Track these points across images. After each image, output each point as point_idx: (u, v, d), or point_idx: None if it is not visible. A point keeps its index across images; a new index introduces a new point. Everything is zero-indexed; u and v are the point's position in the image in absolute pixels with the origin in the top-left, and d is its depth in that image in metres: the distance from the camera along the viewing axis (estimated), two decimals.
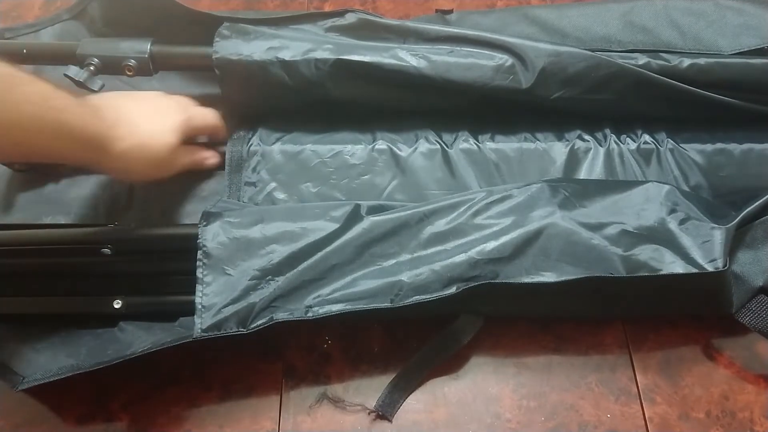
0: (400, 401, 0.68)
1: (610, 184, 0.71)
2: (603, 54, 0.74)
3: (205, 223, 0.66)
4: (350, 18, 0.76)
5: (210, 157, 0.76)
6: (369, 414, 0.68)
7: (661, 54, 0.75)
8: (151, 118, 0.67)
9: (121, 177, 0.70)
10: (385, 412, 0.67)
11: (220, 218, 0.66)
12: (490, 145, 0.77)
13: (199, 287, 0.63)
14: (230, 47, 0.73)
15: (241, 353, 0.71)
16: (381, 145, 0.76)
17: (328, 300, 0.64)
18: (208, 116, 0.75)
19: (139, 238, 0.71)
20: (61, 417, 0.68)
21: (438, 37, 0.75)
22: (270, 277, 0.64)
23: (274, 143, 0.77)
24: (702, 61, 0.74)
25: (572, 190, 0.69)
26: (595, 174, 0.76)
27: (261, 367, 0.70)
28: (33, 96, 0.53)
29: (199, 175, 0.78)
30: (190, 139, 0.72)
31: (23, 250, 0.70)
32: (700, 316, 0.72)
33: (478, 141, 0.78)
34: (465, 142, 0.77)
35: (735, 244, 0.67)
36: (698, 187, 0.76)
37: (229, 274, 0.64)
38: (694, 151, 0.77)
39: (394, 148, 0.76)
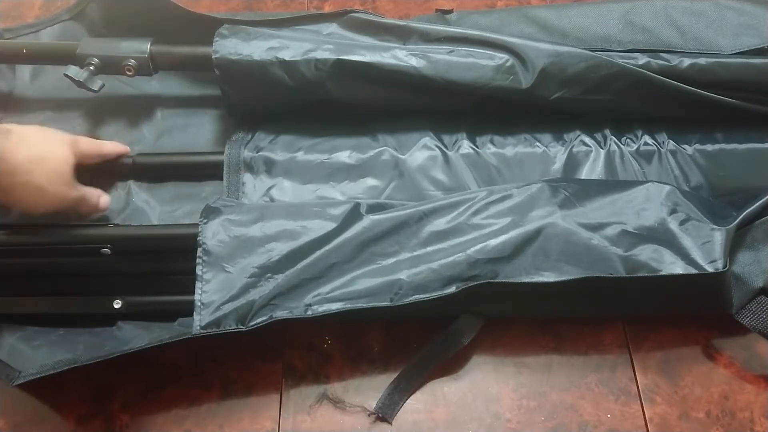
0: (400, 403, 0.68)
1: (611, 184, 0.71)
2: (603, 54, 0.74)
3: (205, 220, 0.66)
4: (350, 18, 0.77)
5: (100, 195, 0.73)
6: (369, 416, 0.67)
7: (661, 54, 0.75)
8: (46, 143, 0.66)
9: (26, 209, 0.68)
10: (385, 413, 0.67)
11: (220, 216, 0.66)
12: (489, 147, 0.77)
13: (198, 284, 0.64)
14: (230, 47, 0.73)
15: (241, 353, 0.70)
16: (380, 146, 0.76)
17: (327, 298, 0.64)
18: (92, 141, 0.73)
19: (139, 238, 0.71)
20: (61, 416, 0.68)
21: (438, 37, 0.75)
22: (269, 274, 0.64)
23: (273, 144, 0.77)
24: (702, 61, 0.74)
25: (573, 190, 0.69)
26: (595, 175, 0.76)
27: (261, 366, 0.70)
28: None
29: (197, 176, 0.79)
30: (84, 162, 0.71)
31: (23, 250, 0.70)
32: (700, 316, 0.72)
33: (477, 143, 0.78)
34: (464, 144, 0.77)
35: (735, 244, 0.67)
36: (699, 187, 0.76)
37: (229, 272, 0.64)
38: (695, 151, 0.77)
39: (394, 150, 0.76)
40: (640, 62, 0.74)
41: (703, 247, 0.65)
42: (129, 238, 0.71)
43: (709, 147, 0.77)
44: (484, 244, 0.65)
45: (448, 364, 0.69)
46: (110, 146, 0.75)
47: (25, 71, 0.84)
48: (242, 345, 0.70)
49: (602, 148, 0.77)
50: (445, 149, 0.76)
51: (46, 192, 0.65)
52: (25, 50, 0.77)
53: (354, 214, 0.67)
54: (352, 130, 0.79)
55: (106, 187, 0.77)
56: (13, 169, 0.62)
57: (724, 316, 0.68)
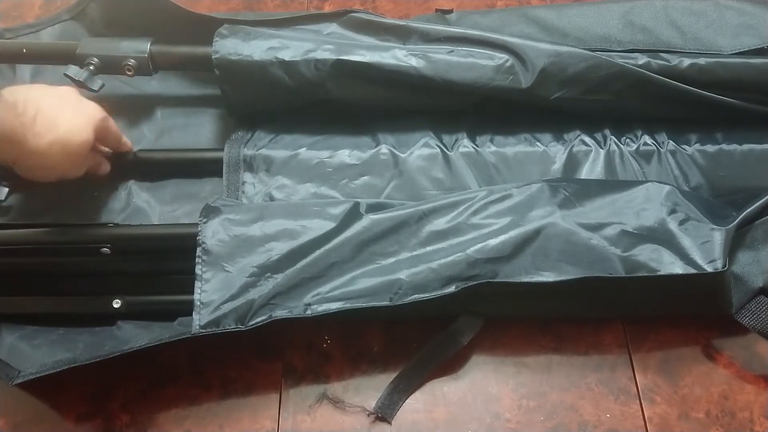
0: (399, 403, 0.68)
1: (611, 184, 0.71)
2: (603, 54, 0.74)
3: (204, 219, 0.66)
4: (350, 18, 0.77)
5: (104, 163, 0.74)
6: (369, 416, 0.67)
7: (661, 54, 0.75)
8: (70, 114, 0.65)
9: (35, 175, 0.67)
10: (384, 413, 0.67)
11: (220, 215, 0.66)
12: (489, 146, 0.77)
13: (197, 284, 0.64)
14: (230, 47, 0.73)
15: (241, 352, 0.70)
16: (380, 145, 0.76)
17: (327, 298, 0.64)
18: (117, 129, 0.73)
19: (139, 238, 0.71)
20: (61, 416, 0.68)
21: (438, 37, 0.75)
22: (269, 274, 0.64)
23: (273, 144, 0.77)
24: (702, 61, 0.74)
25: (572, 189, 0.69)
26: (595, 175, 0.76)
27: (260, 366, 0.70)
28: None
29: (196, 176, 0.78)
30: (99, 142, 0.70)
31: (23, 250, 0.70)
32: (700, 316, 0.72)
33: (477, 142, 0.77)
34: (464, 144, 0.77)
35: (735, 244, 0.67)
36: (699, 187, 0.76)
37: (228, 271, 0.64)
38: (695, 151, 0.77)
39: (394, 149, 0.76)
40: (640, 62, 0.74)
41: (703, 247, 0.65)
42: (129, 237, 0.71)
43: (709, 147, 0.77)
44: (484, 243, 0.65)
45: (448, 364, 0.69)
46: (125, 140, 0.75)
47: (25, 71, 0.83)
48: (242, 345, 0.70)
49: (602, 148, 0.77)
50: (445, 149, 0.76)
51: (57, 171, 0.66)
52: (25, 50, 0.77)
53: (353, 214, 0.67)
54: (351, 129, 0.79)
55: (107, 186, 0.77)
56: (35, 152, 0.62)
57: (724, 316, 0.68)
